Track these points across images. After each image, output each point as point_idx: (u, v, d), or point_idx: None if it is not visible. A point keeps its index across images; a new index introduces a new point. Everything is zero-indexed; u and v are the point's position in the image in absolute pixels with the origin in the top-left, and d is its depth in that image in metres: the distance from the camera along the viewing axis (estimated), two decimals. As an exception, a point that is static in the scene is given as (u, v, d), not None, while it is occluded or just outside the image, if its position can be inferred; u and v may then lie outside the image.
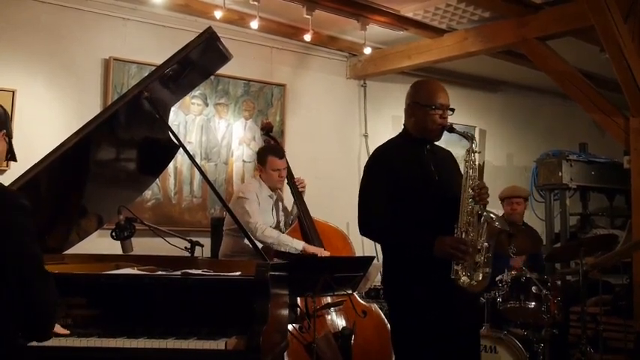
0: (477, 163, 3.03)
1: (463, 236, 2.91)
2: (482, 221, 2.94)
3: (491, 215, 2.97)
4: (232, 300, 2.54)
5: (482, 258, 2.92)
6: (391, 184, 2.99)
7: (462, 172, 3.03)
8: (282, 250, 4.29)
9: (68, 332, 2.44)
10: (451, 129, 3.06)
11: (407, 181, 3.00)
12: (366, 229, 3.06)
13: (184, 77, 3.03)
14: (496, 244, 3.03)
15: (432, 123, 3.04)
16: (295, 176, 4.73)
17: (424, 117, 3.06)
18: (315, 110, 6.29)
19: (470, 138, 3.06)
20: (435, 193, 3.01)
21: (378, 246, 6.30)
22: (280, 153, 4.64)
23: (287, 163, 4.65)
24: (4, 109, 2.25)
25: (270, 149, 4.71)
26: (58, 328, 2.42)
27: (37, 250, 2.14)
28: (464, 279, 2.89)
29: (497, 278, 4.42)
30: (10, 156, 2.28)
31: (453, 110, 3.10)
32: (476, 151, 3.03)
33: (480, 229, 2.94)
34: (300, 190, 4.67)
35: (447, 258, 2.87)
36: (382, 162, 3.09)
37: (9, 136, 2.25)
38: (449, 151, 3.29)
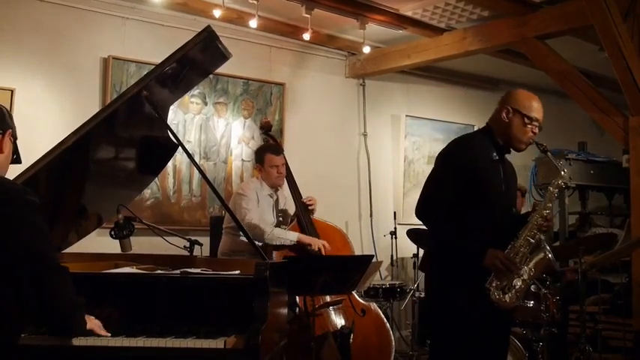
0: (557, 195, 3.07)
1: (513, 254, 2.94)
2: (538, 250, 2.98)
3: (549, 250, 3.00)
4: (231, 299, 2.54)
5: (521, 283, 2.96)
6: (465, 181, 2.98)
7: (545, 198, 3.07)
8: (277, 243, 4.28)
9: (109, 334, 2.41)
10: (545, 150, 3.09)
11: (481, 184, 3.00)
12: (425, 213, 3.06)
13: (183, 76, 3.03)
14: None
15: (524, 134, 3.05)
16: (303, 196, 4.64)
17: (519, 126, 3.05)
18: (314, 109, 6.29)
19: (560, 169, 3.08)
20: (500, 202, 3.04)
21: (377, 245, 6.37)
22: (277, 150, 4.64)
23: (293, 179, 4.64)
24: (7, 109, 2.23)
25: (267, 147, 4.72)
26: (98, 328, 2.40)
27: (47, 249, 2.09)
28: (496, 293, 2.93)
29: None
30: (16, 157, 2.24)
31: (541, 128, 3.09)
32: (567, 186, 3.06)
33: (532, 257, 2.98)
34: (311, 208, 4.60)
35: (492, 270, 2.91)
36: (465, 157, 3.07)
37: (14, 136, 2.22)
38: (510, 162, 3.27)
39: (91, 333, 2.36)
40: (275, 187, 4.63)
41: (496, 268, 2.90)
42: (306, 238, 4.35)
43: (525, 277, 2.97)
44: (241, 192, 4.50)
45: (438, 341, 3.12)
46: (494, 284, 2.93)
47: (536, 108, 3.06)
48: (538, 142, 3.07)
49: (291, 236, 4.32)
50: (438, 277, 3.10)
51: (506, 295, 2.94)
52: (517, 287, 2.95)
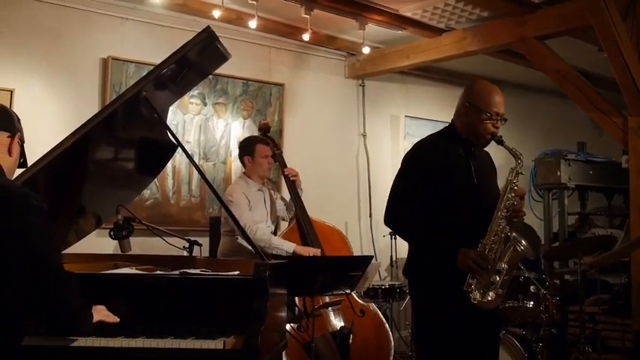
0: (518, 185, 2.97)
1: (486, 253, 2.87)
2: (508, 244, 2.90)
3: (521, 241, 2.91)
4: (231, 299, 2.54)
5: (499, 279, 2.87)
6: (429, 181, 2.94)
7: (501, 190, 2.98)
8: (274, 252, 4.25)
9: (117, 319, 2.41)
10: (500, 141, 3.00)
11: (446, 181, 2.95)
12: (392, 220, 3.03)
13: (183, 77, 3.03)
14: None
15: (484, 130, 2.98)
16: (287, 167, 4.66)
17: (477, 122, 2.98)
18: (314, 110, 6.29)
19: (517, 157, 3.00)
20: (472, 197, 2.97)
21: (377, 245, 6.38)
22: (266, 140, 4.62)
23: (292, 180, 4.64)
24: (16, 113, 2.24)
25: (255, 138, 4.70)
26: (107, 317, 2.38)
27: (49, 251, 2.10)
28: (475, 294, 2.85)
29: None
30: (23, 161, 2.26)
31: (505, 120, 3.03)
32: (520, 173, 2.97)
33: (504, 251, 2.90)
34: (293, 179, 4.59)
35: (466, 270, 2.84)
36: (424, 157, 3.03)
37: (22, 140, 2.23)
38: (487, 153, 3.22)
39: (96, 332, 2.35)
40: (263, 180, 4.58)
41: (469, 268, 2.82)
42: (302, 250, 4.32)
43: (502, 272, 2.87)
44: (229, 198, 4.36)
45: (423, 343, 3.08)
46: (472, 286, 2.85)
47: (495, 102, 2.98)
48: (495, 135, 2.99)
49: (287, 247, 4.29)
50: (416, 280, 3.07)
51: (487, 295, 2.85)
52: (497, 283, 2.86)
